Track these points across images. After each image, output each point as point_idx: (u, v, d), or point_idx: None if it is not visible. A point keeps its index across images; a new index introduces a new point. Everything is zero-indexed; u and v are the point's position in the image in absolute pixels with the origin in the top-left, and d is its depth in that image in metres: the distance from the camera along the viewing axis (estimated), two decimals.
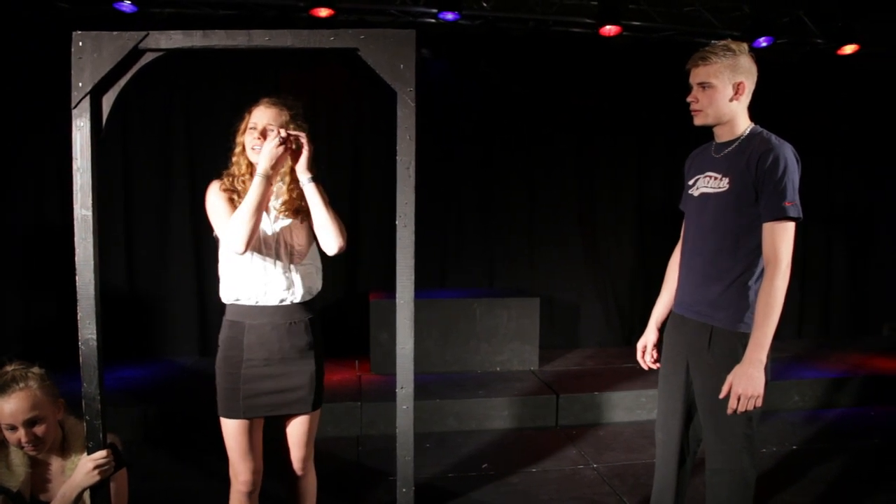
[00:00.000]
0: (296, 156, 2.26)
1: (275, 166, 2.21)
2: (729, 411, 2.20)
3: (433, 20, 5.76)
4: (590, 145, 6.37)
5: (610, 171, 6.45)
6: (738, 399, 2.17)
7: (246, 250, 2.23)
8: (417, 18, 5.79)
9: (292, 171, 2.34)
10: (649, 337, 2.76)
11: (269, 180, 2.21)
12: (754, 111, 2.42)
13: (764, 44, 5.87)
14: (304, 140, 2.24)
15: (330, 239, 2.31)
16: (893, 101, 6.71)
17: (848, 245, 6.89)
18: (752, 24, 5.88)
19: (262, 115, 2.32)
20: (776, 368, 5.37)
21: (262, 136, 2.29)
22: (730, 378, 2.20)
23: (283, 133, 2.20)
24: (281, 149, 2.20)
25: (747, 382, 2.15)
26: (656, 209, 6.46)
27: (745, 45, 2.32)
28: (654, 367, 2.75)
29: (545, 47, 6.20)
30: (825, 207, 6.80)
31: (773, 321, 2.18)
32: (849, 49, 6.07)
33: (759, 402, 2.18)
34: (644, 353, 2.77)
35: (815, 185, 6.75)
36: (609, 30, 5.72)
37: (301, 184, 2.29)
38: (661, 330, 2.75)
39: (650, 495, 2.83)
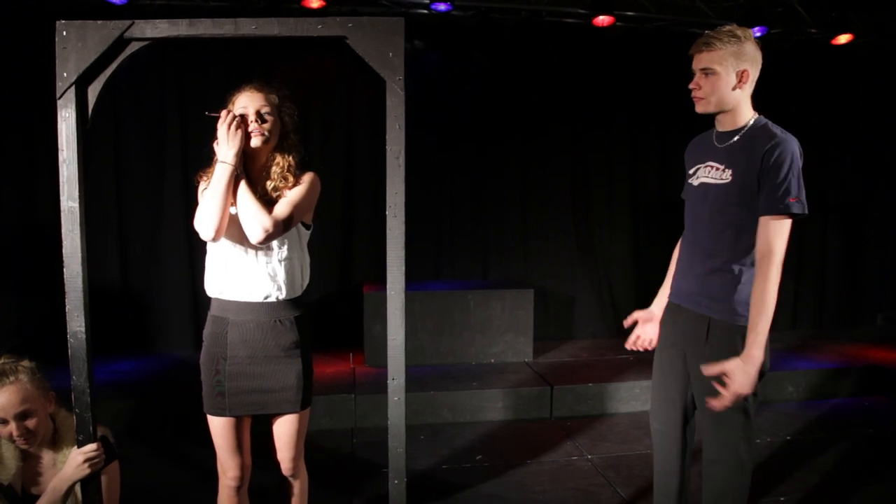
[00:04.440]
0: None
1: (236, 150, 2.13)
2: (719, 406, 2.16)
3: (425, 11, 5.72)
4: (583, 135, 6.35)
5: (604, 161, 6.44)
6: (730, 394, 2.13)
7: (216, 237, 2.16)
8: (409, 9, 5.75)
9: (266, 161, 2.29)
10: (641, 315, 2.68)
11: (231, 167, 2.13)
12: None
13: (757, 33, 5.85)
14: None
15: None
16: (887, 91, 6.71)
17: (842, 235, 6.91)
18: (745, 13, 5.87)
19: (249, 100, 2.21)
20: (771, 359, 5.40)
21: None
22: (727, 370, 2.14)
23: (235, 113, 2.14)
24: (239, 132, 2.13)
25: (743, 380, 2.11)
26: (650, 199, 6.46)
27: (750, 32, 2.25)
28: (639, 348, 2.69)
29: (538, 38, 6.17)
30: (819, 198, 6.80)
31: (769, 316, 2.15)
32: (843, 39, 6.06)
33: (750, 391, 2.14)
34: (639, 330, 2.69)
35: (808, 175, 6.69)
36: (602, 20, 5.70)
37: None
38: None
39: (646, 486, 2.82)
